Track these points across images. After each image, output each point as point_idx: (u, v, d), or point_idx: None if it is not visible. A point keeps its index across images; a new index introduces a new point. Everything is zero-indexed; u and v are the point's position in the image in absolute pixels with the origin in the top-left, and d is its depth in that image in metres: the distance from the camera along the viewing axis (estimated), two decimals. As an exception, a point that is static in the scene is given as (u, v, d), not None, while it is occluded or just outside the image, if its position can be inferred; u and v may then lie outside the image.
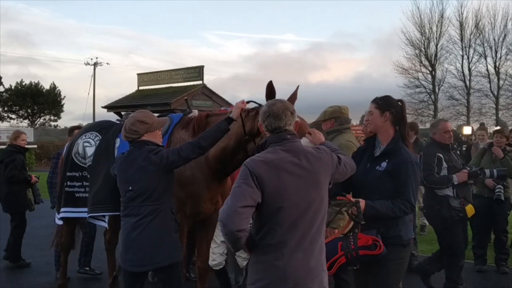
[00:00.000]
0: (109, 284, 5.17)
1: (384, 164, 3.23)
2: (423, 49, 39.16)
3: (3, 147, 7.69)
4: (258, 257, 2.59)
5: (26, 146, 7.35)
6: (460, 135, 27.80)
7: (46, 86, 44.13)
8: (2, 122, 41.00)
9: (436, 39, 38.92)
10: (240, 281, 5.28)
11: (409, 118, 37.95)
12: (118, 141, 4.71)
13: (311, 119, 4.79)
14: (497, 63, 37.88)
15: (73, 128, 6.54)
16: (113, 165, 4.07)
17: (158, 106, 27.38)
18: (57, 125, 45.65)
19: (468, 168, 5.24)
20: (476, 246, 6.50)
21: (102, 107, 31.96)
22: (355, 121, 16.12)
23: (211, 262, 4.76)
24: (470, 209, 4.98)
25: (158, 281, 5.38)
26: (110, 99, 36.21)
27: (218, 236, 4.70)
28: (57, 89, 44.37)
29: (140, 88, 31.51)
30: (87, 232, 6.09)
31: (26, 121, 42.52)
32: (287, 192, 2.54)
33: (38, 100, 41.86)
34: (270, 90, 3.63)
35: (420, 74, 39.55)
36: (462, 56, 38.72)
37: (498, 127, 7.99)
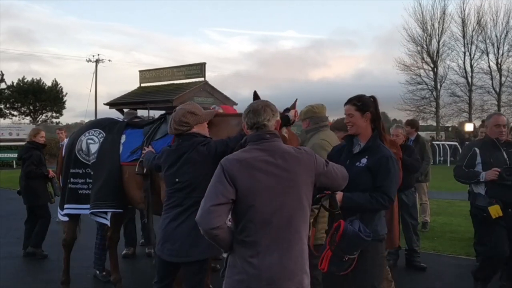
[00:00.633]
0: (112, 280, 5.19)
1: (364, 161, 3.28)
2: (425, 46, 39.10)
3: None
4: (236, 251, 2.59)
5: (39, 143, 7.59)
6: (463, 132, 27.80)
7: (48, 83, 44.11)
8: (4, 119, 41.05)
9: (438, 35, 38.86)
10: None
11: (411, 115, 38.02)
12: (123, 137, 4.76)
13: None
14: (499, 60, 37.81)
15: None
16: (151, 157, 4.05)
17: (160, 103, 27.42)
18: (59, 122, 45.57)
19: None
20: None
21: (104, 104, 32.00)
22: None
23: None
24: (494, 210, 4.69)
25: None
26: (112, 96, 36.32)
27: None
28: (59, 86, 44.36)
29: (142, 85, 31.51)
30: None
31: (28, 118, 42.52)
32: (259, 191, 2.53)
33: (40, 97, 41.83)
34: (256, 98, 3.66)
35: (422, 70, 39.52)
36: (464, 52, 38.67)
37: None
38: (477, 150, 4.95)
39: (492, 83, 38.17)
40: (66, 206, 4.95)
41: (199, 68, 29.31)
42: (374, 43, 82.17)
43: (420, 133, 8.46)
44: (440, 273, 6.13)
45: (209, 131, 4.21)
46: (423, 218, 8.36)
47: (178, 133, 3.73)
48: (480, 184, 4.85)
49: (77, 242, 5.47)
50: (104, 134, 4.85)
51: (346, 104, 3.45)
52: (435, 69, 39.04)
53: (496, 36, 37.59)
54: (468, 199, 6.47)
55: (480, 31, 37.95)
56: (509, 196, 4.71)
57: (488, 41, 37.86)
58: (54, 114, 44.21)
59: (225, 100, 27.21)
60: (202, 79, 28.99)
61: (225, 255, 2.79)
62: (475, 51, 38.49)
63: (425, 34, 39.07)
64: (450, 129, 35.23)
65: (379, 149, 3.30)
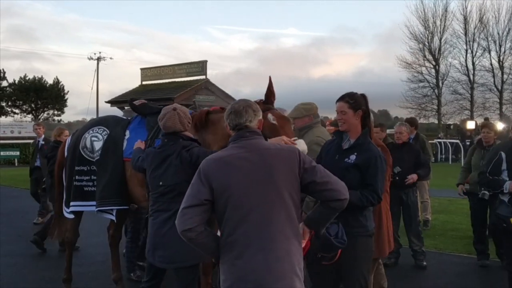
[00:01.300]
0: (113, 279, 5.20)
1: (353, 157, 3.32)
2: (426, 43, 39.06)
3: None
4: (222, 256, 2.55)
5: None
6: (464, 130, 27.74)
7: (50, 81, 44.24)
8: (5, 117, 41.10)
9: (440, 33, 38.83)
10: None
11: (412, 113, 38.02)
12: (127, 133, 4.78)
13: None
14: (501, 57, 37.77)
15: None
16: (136, 157, 4.01)
17: (161, 100, 27.40)
18: (60, 119, 45.69)
19: None
20: (476, 242, 6.49)
21: (106, 101, 32.04)
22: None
23: None
24: None
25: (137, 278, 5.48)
26: (114, 94, 36.26)
27: None
28: (61, 83, 44.48)
29: (144, 82, 31.52)
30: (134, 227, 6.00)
31: (30, 115, 42.61)
32: (234, 187, 2.48)
33: (42, 94, 41.91)
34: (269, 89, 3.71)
35: (423, 68, 39.51)
36: (466, 50, 38.64)
37: (487, 122, 7.78)
38: (503, 155, 4.55)
39: (494, 81, 38.12)
40: (72, 203, 4.96)
41: (200, 66, 29.31)
42: (375, 41, 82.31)
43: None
44: (441, 271, 6.13)
45: (208, 128, 4.22)
46: (424, 216, 8.36)
47: (179, 130, 3.71)
48: (502, 192, 4.47)
49: (79, 240, 5.48)
50: (108, 132, 4.88)
51: (338, 101, 3.46)
52: (436, 66, 38.99)
53: (498, 34, 37.57)
54: (469, 199, 6.47)
55: (482, 28, 37.91)
56: None
57: (490, 38, 37.84)
58: (55, 112, 44.35)
59: (226, 98, 27.20)
60: (203, 77, 28.98)
61: None
62: (477, 49, 38.48)
63: (427, 32, 39.05)
64: (451, 127, 35.17)
65: (368, 147, 3.35)
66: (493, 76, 38.11)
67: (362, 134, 3.40)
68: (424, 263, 6.21)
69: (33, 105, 42.47)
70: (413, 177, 5.99)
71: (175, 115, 3.69)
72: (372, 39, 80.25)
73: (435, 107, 39.24)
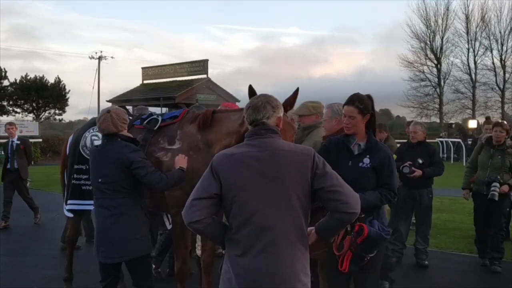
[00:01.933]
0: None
1: (367, 161, 3.34)
2: (428, 42, 39.02)
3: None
4: (227, 249, 2.56)
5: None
6: (466, 129, 27.70)
7: (51, 80, 44.11)
8: (7, 116, 41.09)
9: (442, 32, 38.79)
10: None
11: (414, 112, 38.04)
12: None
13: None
14: (503, 56, 37.72)
15: None
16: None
17: (163, 100, 27.43)
18: (62, 119, 45.65)
19: None
20: (478, 241, 6.47)
21: (107, 101, 32.11)
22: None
23: (198, 251, 4.73)
24: None
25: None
26: (115, 93, 36.28)
27: None
28: (62, 83, 44.35)
29: (145, 82, 31.55)
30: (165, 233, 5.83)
31: (31, 115, 42.56)
32: (241, 186, 2.44)
33: (43, 94, 41.84)
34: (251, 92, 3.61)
35: (425, 67, 39.47)
36: (468, 49, 38.58)
37: (500, 121, 7.73)
38: None
39: (496, 80, 38.06)
40: (69, 201, 4.96)
41: (202, 65, 29.33)
42: (375, 40, 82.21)
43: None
44: (443, 270, 6.12)
45: (212, 128, 4.20)
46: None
47: (113, 132, 3.78)
48: None
49: (80, 238, 5.47)
50: None
51: (347, 105, 3.40)
52: (438, 65, 38.95)
53: (500, 33, 37.50)
54: (473, 198, 6.44)
55: (484, 27, 37.86)
56: None
57: (492, 37, 37.78)
58: (57, 111, 44.25)
59: (227, 96, 27.22)
60: (204, 76, 29.01)
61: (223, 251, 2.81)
62: (478, 48, 38.44)
63: (429, 31, 39.02)
64: (453, 126, 35.11)
65: (378, 147, 3.39)
66: (495, 75, 38.06)
67: (370, 136, 3.42)
68: (426, 262, 6.20)
69: (34, 105, 42.40)
70: (418, 172, 5.91)
71: (108, 118, 3.80)
72: (373, 38, 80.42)
73: (437, 106, 39.20)
